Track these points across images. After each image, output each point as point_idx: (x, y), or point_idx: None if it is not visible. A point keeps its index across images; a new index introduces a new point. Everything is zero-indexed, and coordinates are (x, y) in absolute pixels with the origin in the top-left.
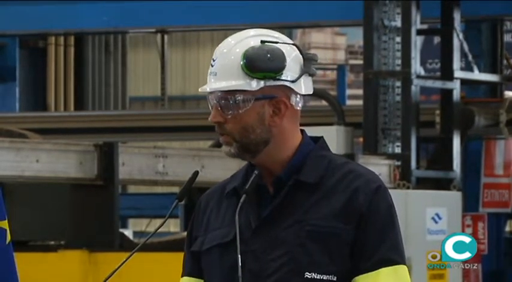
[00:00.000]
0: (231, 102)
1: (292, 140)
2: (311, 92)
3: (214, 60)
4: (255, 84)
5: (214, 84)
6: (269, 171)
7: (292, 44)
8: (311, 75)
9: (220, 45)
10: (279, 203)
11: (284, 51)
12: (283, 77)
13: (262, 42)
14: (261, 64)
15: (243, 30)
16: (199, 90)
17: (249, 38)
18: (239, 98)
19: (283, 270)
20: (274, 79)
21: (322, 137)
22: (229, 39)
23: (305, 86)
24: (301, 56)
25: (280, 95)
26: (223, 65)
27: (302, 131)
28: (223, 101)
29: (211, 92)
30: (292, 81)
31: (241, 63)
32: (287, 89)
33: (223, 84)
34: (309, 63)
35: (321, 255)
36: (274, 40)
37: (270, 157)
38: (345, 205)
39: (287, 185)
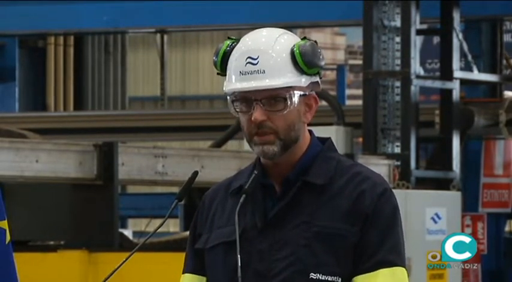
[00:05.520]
0: (286, 99)
1: (307, 139)
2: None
3: (254, 59)
4: (305, 81)
5: (265, 82)
6: (278, 170)
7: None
8: None
9: (251, 43)
10: (286, 203)
11: None
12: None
13: (304, 38)
14: (317, 60)
15: (243, 30)
16: (233, 89)
17: (285, 35)
18: (292, 94)
19: (288, 270)
20: (316, 75)
21: (329, 138)
22: (257, 36)
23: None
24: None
25: (309, 91)
26: (272, 62)
27: (310, 132)
28: (274, 99)
29: (241, 91)
30: (321, 77)
31: (299, 59)
32: (312, 84)
33: (278, 82)
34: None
35: (327, 256)
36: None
37: (289, 155)
38: (351, 207)
39: (295, 185)
